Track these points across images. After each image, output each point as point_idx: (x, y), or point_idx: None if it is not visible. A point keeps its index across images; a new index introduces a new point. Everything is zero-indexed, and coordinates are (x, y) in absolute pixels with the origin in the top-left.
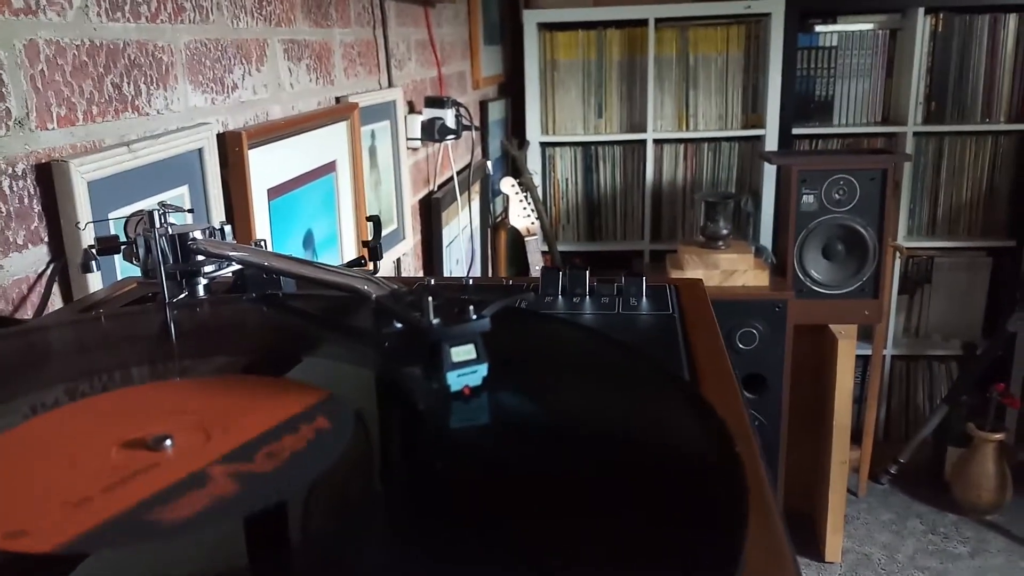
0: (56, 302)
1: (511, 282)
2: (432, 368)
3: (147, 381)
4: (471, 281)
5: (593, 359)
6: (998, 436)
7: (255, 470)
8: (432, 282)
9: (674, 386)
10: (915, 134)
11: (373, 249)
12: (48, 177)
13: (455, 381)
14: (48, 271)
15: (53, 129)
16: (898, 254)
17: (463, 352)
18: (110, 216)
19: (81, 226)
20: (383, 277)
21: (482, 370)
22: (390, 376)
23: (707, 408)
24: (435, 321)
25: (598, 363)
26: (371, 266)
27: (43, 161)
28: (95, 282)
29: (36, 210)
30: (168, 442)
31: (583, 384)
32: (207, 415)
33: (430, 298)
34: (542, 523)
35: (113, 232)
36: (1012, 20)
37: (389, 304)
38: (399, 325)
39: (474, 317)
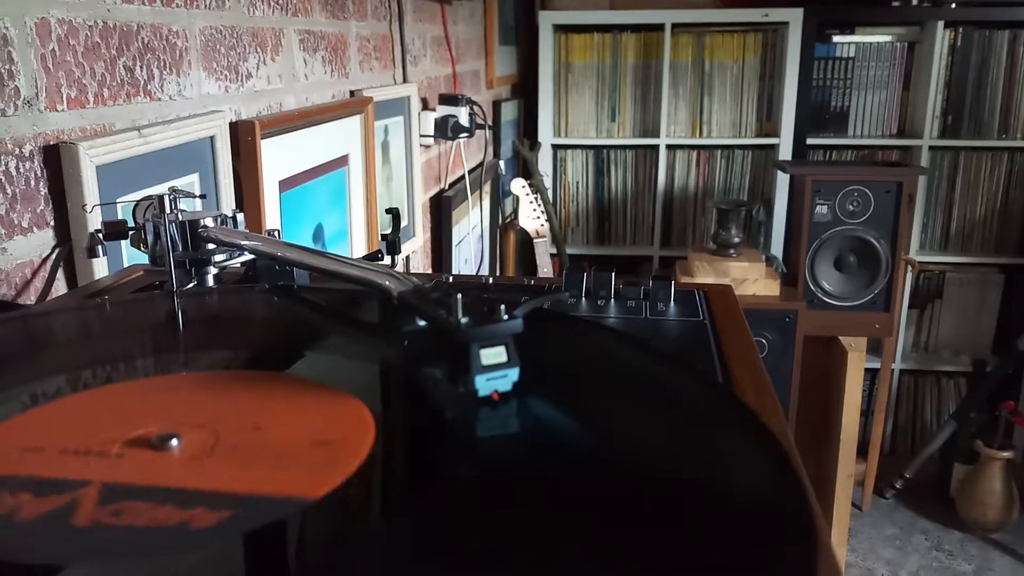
0: (60, 287)
1: (532, 282)
2: (459, 371)
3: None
4: (491, 280)
5: (637, 371)
6: (1006, 454)
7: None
8: (450, 279)
9: (735, 411)
10: (931, 148)
11: (392, 243)
12: (56, 160)
13: (484, 385)
14: (53, 256)
15: (63, 111)
16: (910, 268)
17: (493, 354)
18: (118, 200)
19: (88, 208)
20: (405, 272)
21: (513, 374)
22: (411, 378)
23: (783, 455)
24: (464, 320)
25: (643, 377)
26: (388, 260)
27: (51, 143)
28: (100, 268)
29: (42, 193)
30: (174, 442)
31: (628, 400)
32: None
33: (458, 295)
34: (584, 548)
35: (121, 217)
36: None
37: (413, 301)
38: (422, 323)
39: (505, 317)
